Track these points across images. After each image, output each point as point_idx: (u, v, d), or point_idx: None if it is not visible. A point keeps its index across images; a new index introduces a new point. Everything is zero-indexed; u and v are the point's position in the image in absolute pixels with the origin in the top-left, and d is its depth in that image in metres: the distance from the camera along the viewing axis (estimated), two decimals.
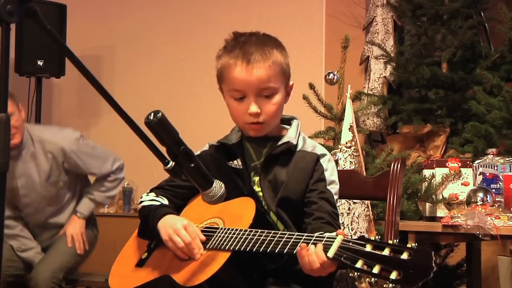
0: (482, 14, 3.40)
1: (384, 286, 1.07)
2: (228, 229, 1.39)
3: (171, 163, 1.26)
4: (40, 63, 3.45)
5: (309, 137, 1.62)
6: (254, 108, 1.46)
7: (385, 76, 3.58)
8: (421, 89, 3.40)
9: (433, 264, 1.06)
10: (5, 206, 2.80)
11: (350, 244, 1.16)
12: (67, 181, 2.72)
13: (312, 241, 1.24)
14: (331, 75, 2.63)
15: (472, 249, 2.66)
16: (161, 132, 1.26)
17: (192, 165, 1.28)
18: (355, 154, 2.36)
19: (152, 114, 1.26)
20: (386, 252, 1.11)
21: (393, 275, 1.07)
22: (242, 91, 1.46)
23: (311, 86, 2.75)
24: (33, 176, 2.63)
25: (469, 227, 2.16)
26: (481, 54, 3.34)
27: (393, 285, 1.07)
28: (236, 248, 1.32)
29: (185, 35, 3.95)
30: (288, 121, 1.59)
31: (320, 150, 1.54)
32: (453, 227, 2.21)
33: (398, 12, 3.59)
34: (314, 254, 1.22)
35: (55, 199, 2.72)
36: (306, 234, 1.28)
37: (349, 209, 2.35)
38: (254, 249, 1.30)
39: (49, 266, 2.63)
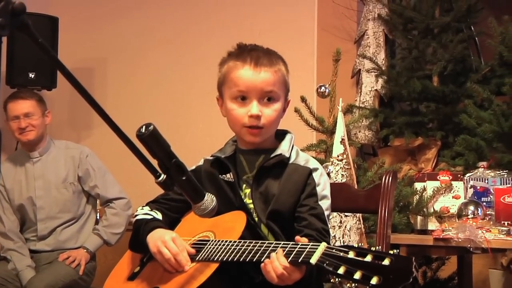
0: (472, 28, 3.43)
1: None
2: (218, 241, 1.40)
3: (163, 176, 1.27)
4: (31, 75, 3.45)
5: (300, 150, 1.63)
6: (255, 109, 1.47)
7: (376, 89, 3.59)
8: (412, 102, 3.42)
9: (413, 269, 1.09)
10: (19, 218, 2.80)
11: (334, 251, 1.19)
12: (79, 191, 2.89)
13: (296, 249, 1.26)
14: (323, 88, 2.64)
15: (463, 262, 2.67)
16: (153, 145, 1.26)
17: (184, 178, 1.28)
18: (346, 167, 2.36)
19: (144, 127, 1.26)
20: (368, 258, 1.13)
21: (374, 280, 1.09)
22: (246, 91, 1.48)
23: (303, 99, 2.75)
24: (50, 178, 2.86)
25: (460, 240, 2.17)
26: (471, 67, 3.36)
27: None
28: (224, 259, 1.33)
29: (177, 47, 3.96)
30: (282, 135, 1.60)
31: (313, 164, 1.55)
32: (444, 240, 2.22)
33: (389, 25, 3.61)
34: (276, 261, 1.26)
35: (67, 206, 2.86)
36: (292, 242, 1.29)
37: (340, 222, 2.35)
38: (241, 259, 1.31)
39: (43, 279, 2.65)
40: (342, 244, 2.27)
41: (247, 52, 1.50)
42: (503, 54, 3.00)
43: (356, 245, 1.19)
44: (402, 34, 3.51)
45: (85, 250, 2.82)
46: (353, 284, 1.11)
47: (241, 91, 1.48)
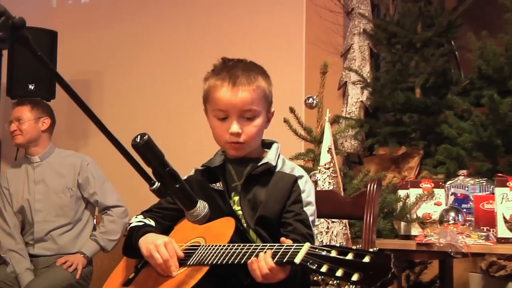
0: (453, 43, 3.50)
1: (346, 287, 1.14)
2: (208, 245, 1.44)
3: (157, 184, 1.29)
4: (31, 87, 3.48)
5: (289, 158, 1.66)
6: (235, 128, 1.51)
7: (362, 101, 3.65)
8: (396, 113, 3.47)
9: (391, 265, 1.12)
10: (19, 220, 2.80)
11: (317, 250, 1.23)
12: (77, 197, 2.92)
13: (281, 250, 1.29)
14: (311, 99, 2.65)
15: (444, 266, 2.69)
16: (147, 153, 1.29)
17: (177, 185, 1.31)
18: (333, 175, 2.38)
19: (139, 136, 1.29)
20: (349, 256, 1.17)
21: (355, 277, 1.13)
22: (226, 111, 1.52)
23: (292, 110, 2.77)
24: (50, 183, 2.90)
25: (441, 245, 2.19)
26: (452, 80, 3.42)
27: (354, 286, 1.14)
28: (214, 262, 1.37)
29: (170, 60, 4.00)
30: (269, 144, 1.63)
31: (298, 172, 1.59)
32: (426, 245, 2.24)
33: (374, 40, 3.68)
34: (262, 260, 1.30)
35: (64, 210, 2.89)
36: (277, 244, 1.33)
37: (327, 227, 2.36)
38: (230, 261, 1.35)
39: (41, 283, 2.68)
40: None
41: (226, 71, 1.53)
42: (482, 68, 3.07)
43: (338, 245, 1.23)
44: (386, 48, 3.58)
45: (82, 255, 2.84)
46: (335, 281, 1.16)
47: (221, 110, 1.53)
